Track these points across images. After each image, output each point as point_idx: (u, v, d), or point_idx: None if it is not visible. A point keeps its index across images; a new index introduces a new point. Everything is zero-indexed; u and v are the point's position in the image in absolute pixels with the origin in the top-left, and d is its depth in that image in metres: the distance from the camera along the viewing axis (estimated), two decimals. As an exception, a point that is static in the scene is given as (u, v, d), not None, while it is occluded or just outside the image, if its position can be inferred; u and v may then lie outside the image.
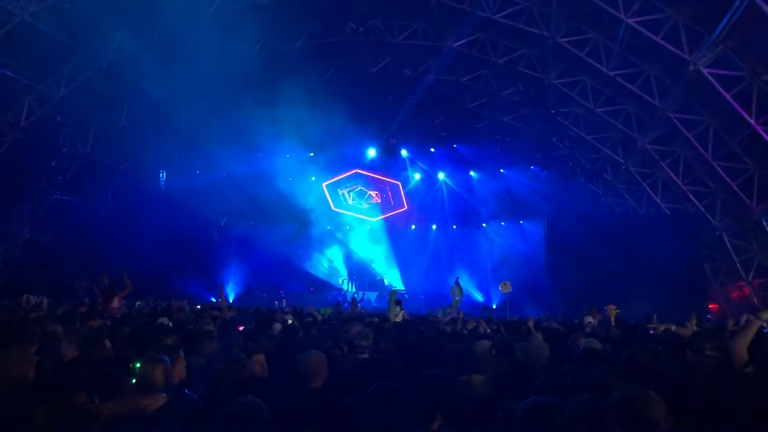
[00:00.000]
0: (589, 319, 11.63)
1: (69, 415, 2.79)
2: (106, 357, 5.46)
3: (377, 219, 32.70)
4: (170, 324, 9.13)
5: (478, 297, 29.85)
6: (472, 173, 31.34)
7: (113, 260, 22.83)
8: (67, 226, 25.07)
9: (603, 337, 8.36)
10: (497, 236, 31.55)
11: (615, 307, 13.03)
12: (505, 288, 17.88)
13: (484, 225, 32.29)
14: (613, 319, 12.62)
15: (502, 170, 30.22)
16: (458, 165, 31.10)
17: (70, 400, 3.06)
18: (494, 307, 26.52)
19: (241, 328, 8.82)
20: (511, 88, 24.53)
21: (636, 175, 25.26)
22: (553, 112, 24.47)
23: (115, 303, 12.94)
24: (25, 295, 15.92)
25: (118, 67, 20.15)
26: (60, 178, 24.81)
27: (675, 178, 23.23)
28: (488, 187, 30.88)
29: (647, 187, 25.19)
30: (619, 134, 24.00)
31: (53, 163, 24.01)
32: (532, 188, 29.17)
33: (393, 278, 31.93)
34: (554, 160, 27.19)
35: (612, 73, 20.42)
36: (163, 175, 29.33)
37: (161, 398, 3.65)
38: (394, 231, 32.59)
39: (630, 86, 20.55)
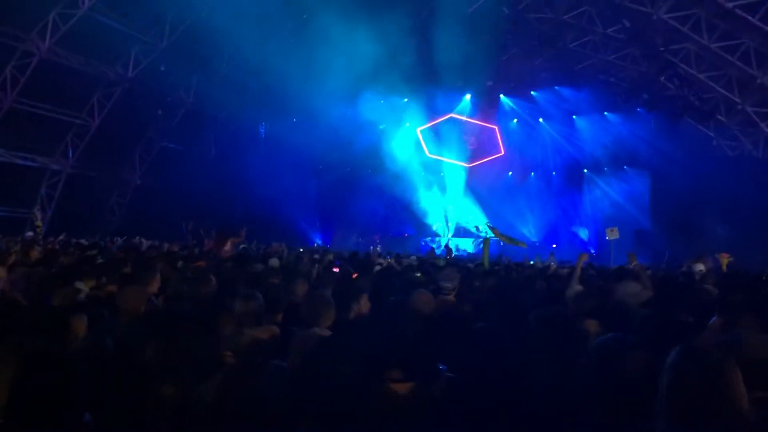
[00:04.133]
0: (699, 266, 11.03)
1: (177, 351, 2.93)
2: (211, 293, 5.69)
3: (473, 164, 32.21)
4: (278, 265, 9.45)
5: (587, 244, 29.04)
6: (574, 117, 30.04)
7: (217, 204, 23.88)
8: (174, 172, 26.25)
9: (713, 283, 7.93)
10: (600, 183, 30.34)
11: (728, 255, 12.28)
12: (612, 234, 17.20)
13: (585, 171, 31.08)
14: (725, 267, 11.94)
15: (606, 113, 28.80)
16: (559, 109, 29.78)
17: (177, 337, 3.19)
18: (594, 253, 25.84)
19: (336, 270, 8.96)
20: (616, 25, 23.14)
21: (753, 116, 23.48)
22: (662, 49, 22.94)
23: (228, 246, 13.32)
24: (138, 237, 16.92)
25: (216, 15, 20.52)
26: (166, 126, 25.93)
27: (798, 118, 21.49)
28: (591, 132, 29.50)
29: (766, 129, 23.42)
30: (735, 71, 22.28)
31: (159, 112, 25.06)
32: (637, 132, 27.66)
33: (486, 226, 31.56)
34: (662, 102, 25.59)
35: (730, 5, 18.86)
36: (262, 124, 30.03)
37: (272, 330, 3.78)
38: (490, 177, 32.02)
39: (750, 18, 18.93)
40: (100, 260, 9.07)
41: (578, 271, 8.04)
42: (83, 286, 5.48)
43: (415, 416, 2.88)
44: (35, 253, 8.90)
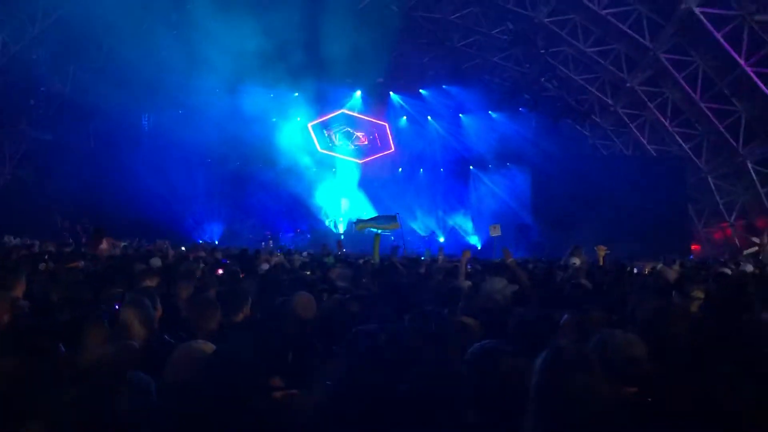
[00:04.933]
0: (574, 260, 11.62)
1: (39, 366, 2.71)
2: (87, 300, 5.35)
3: (363, 161, 32.41)
4: (160, 265, 9.05)
5: (472, 240, 29.88)
6: (460, 115, 30.90)
7: (96, 200, 22.66)
8: (49, 165, 24.66)
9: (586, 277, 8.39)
10: (485, 180, 31.36)
11: (605, 248, 12.97)
12: (495, 231, 17.74)
13: (471, 168, 32.04)
14: (601, 259, 12.63)
15: (490, 112, 29.83)
16: (447, 107, 30.61)
17: (42, 349, 2.96)
18: (478, 248, 26.67)
19: (220, 272, 8.69)
20: (500, 27, 24.00)
21: (624, 117, 25.12)
22: (542, 51, 24.05)
23: (104, 244, 12.68)
24: (6, 236, 15.76)
25: (94, 2, 19.40)
26: (39, 117, 24.26)
27: (663, 119, 23.17)
28: (476, 130, 30.50)
29: (634, 129, 25.12)
30: (608, 75, 23.77)
31: (31, 102, 23.44)
32: (519, 131, 28.86)
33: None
34: (543, 102, 26.89)
35: (603, 12, 20.05)
36: (145, 116, 28.77)
37: (133, 346, 3.57)
38: (380, 173, 32.33)
39: (621, 25, 20.26)
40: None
41: (463, 268, 8.26)
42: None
43: (298, 425, 2.83)
44: None
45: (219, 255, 13.05)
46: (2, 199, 24.50)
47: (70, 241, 17.88)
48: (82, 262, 9.43)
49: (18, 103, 23.40)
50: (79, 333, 3.33)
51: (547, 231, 23.98)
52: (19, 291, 5.38)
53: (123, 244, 16.29)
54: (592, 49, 22.62)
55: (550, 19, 22.15)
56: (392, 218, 16.57)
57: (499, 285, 6.04)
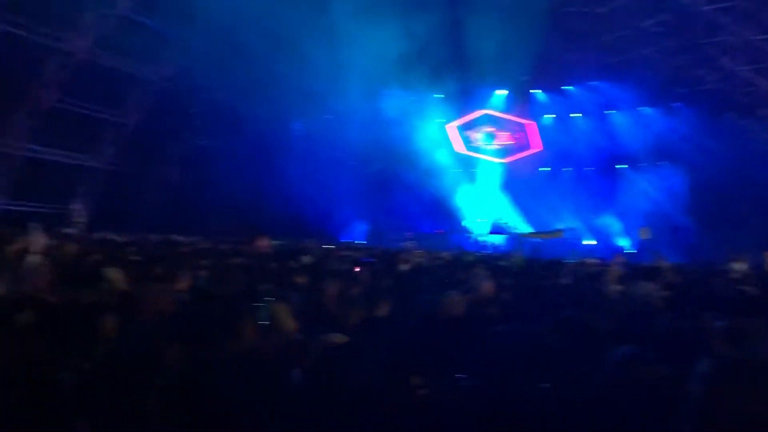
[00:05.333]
0: (737, 264, 10.69)
1: (202, 354, 2.95)
2: (243, 294, 5.70)
3: (507, 161, 31.94)
4: (309, 262, 9.47)
5: (622, 242, 28.56)
6: (609, 112, 29.59)
7: (251, 201, 24.11)
8: (210, 169, 26.59)
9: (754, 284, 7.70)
10: (636, 179, 29.76)
11: None
12: (645, 234, 16.83)
13: (620, 166, 30.54)
14: (768, 265, 11.57)
15: (642, 108, 28.28)
16: (593, 104, 29.49)
17: (204, 338, 3.22)
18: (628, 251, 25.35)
19: (357, 269, 8.90)
20: (652, 18, 22.68)
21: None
22: (701, 42, 22.42)
23: (265, 242, 13.33)
24: (173, 234, 17.18)
25: (250, 15, 20.71)
26: (202, 124, 26.27)
27: None
28: (627, 127, 29.07)
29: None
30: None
31: (195, 110, 25.42)
32: (674, 127, 27.08)
33: (521, 221, 31.30)
34: (700, 95, 25.02)
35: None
36: (296, 122, 30.24)
37: (283, 337, 3.77)
38: (522, 173, 31.73)
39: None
40: (136, 257, 9.18)
41: (615, 272, 7.92)
42: (117, 283, 5.52)
43: (437, 423, 2.86)
44: (71, 249, 9.00)
45: (362, 254, 13.40)
46: (170, 200, 26.79)
47: (228, 239, 19.13)
48: (239, 258, 10.06)
49: (182, 111, 25.49)
50: (237, 325, 3.57)
51: (705, 233, 22.36)
52: (183, 284, 5.85)
53: (275, 242, 17.16)
54: (760, 37, 20.77)
55: (711, 6, 20.62)
56: (558, 231, 16.70)
57: (647, 290, 5.74)
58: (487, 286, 6.61)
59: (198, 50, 22.89)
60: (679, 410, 2.21)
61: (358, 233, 30.10)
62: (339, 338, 3.26)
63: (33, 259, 6.37)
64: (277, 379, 2.92)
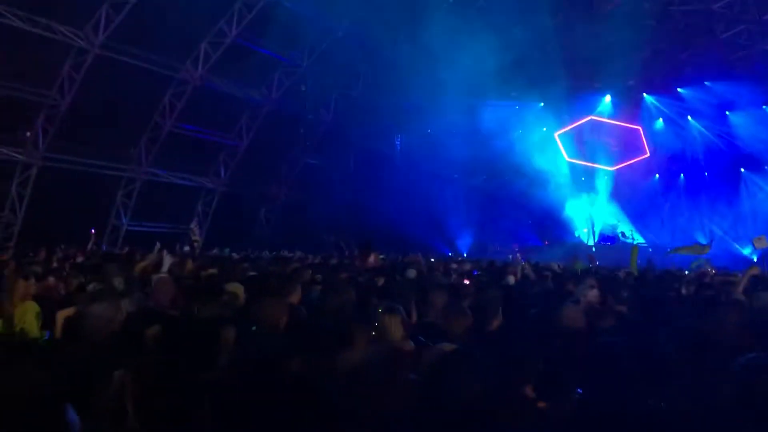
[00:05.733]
0: None
1: (319, 365, 3.06)
2: (354, 306, 5.85)
3: (615, 168, 30.82)
4: (414, 276, 9.55)
5: (744, 250, 26.76)
6: (727, 113, 27.89)
7: (357, 217, 24.58)
8: (317, 187, 27.38)
9: None
10: (761, 183, 27.83)
11: None
12: (760, 243, 15.75)
13: (743, 170, 28.65)
14: None
15: (765, 107, 26.39)
16: (710, 105, 27.82)
17: (319, 350, 3.34)
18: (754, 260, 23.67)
19: (468, 282, 8.86)
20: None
21: None
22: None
23: (372, 258, 13.58)
24: (284, 250, 17.78)
25: (351, 35, 21.28)
26: (308, 144, 27.14)
27: None
28: (747, 128, 27.25)
29: None
30: None
31: (301, 131, 26.29)
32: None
33: (634, 231, 30.09)
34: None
35: None
36: (398, 138, 30.65)
37: (390, 347, 3.83)
38: (633, 180, 30.51)
39: None
40: (251, 272, 9.57)
41: (744, 282, 7.49)
42: (236, 298, 5.79)
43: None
44: (190, 266, 9.49)
45: (468, 266, 13.33)
46: (280, 217, 27.79)
47: (335, 254, 19.59)
48: (346, 273, 10.28)
49: (290, 132, 26.46)
50: (349, 335, 3.68)
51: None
52: (295, 298, 6.07)
53: (381, 257, 17.41)
54: None
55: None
56: (706, 246, 16.19)
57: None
58: (595, 297, 6.45)
59: (302, 72, 23.75)
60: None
61: (463, 246, 29.95)
62: (448, 347, 3.29)
63: (159, 276, 6.82)
64: (391, 386, 2.98)
